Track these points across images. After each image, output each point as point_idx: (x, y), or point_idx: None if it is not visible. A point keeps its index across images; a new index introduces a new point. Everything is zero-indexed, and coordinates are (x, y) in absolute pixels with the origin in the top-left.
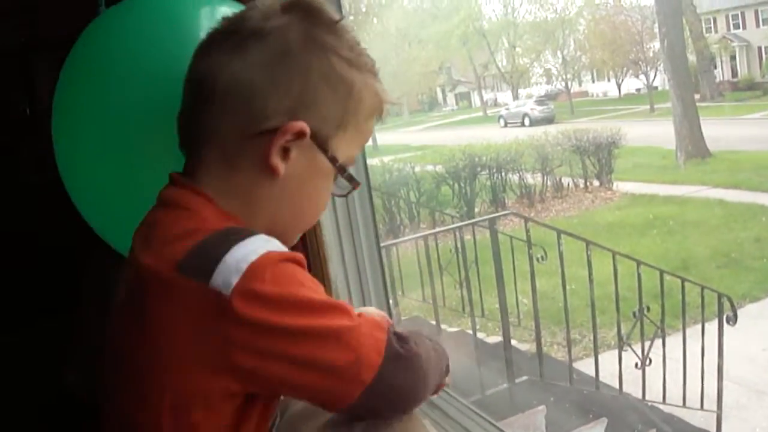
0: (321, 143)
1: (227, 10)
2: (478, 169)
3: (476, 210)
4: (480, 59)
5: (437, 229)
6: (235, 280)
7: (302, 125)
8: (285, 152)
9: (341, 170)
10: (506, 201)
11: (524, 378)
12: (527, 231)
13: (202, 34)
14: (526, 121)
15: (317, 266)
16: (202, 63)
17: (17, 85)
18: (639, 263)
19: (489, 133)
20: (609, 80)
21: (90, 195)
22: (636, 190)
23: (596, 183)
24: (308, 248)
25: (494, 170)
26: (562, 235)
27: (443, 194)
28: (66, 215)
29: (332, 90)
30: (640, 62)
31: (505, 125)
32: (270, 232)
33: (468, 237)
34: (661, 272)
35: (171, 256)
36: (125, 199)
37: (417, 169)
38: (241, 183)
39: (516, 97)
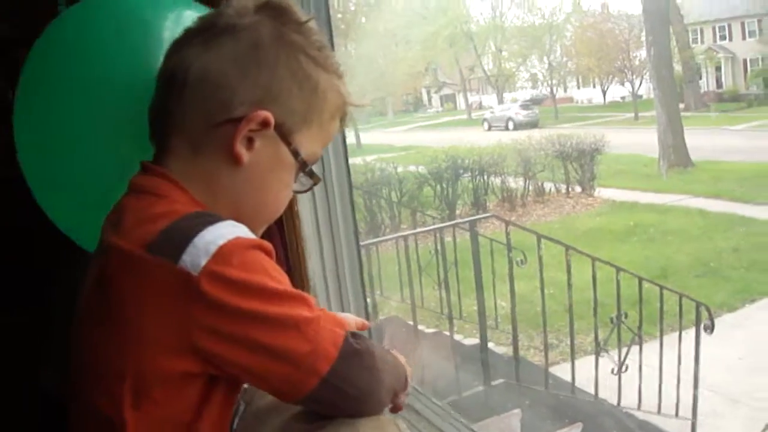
0: (284, 136)
1: (189, 12)
2: (461, 171)
3: (457, 212)
4: (466, 62)
5: (418, 230)
6: (203, 262)
7: (267, 114)
8: (249, 142)
9: (303, 165)
10: (487, 204)
11: (500, 381)
12: (507, 234)
13: (165, 34)
14: (510, 125)
15: (295, 262)
16: (175, 57)
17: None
18: (618, 270)
19: (473, 135)
20: (594, 87)
21: (53, 193)
22: (617, 197)
23: (578, 189)
24: (287, 243)
25: (477, 173)
26: (542, 240)
27: (425, 195)
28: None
29: (298, 86)
30: (625, 70)
31: (490, 128)
32: (238, 221)
33: (448, 239)
34: (640, 279)
35: (141, 238)
36: (88, 197)
37: (400, 169)
38: (206, 170)
39: (501, 100)
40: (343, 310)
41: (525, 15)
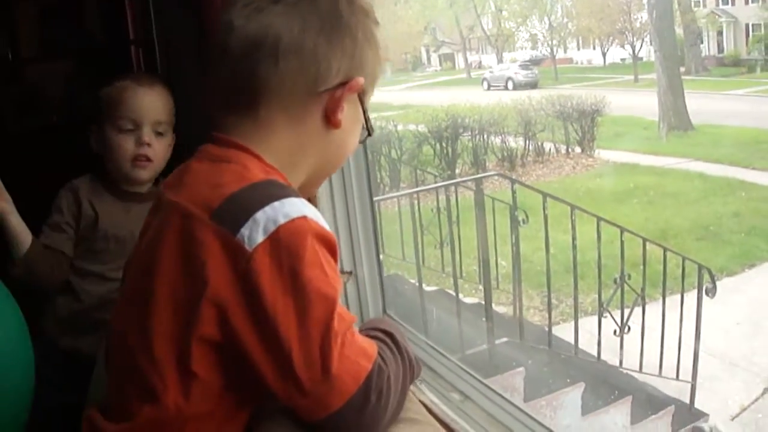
0: (362, 97)
1: None
2: (461, 130)
3: (457, 171)
4: (466, 21)
5: (423, 187)
6: (260, 239)
7: (360, 81)
8: (342, 107)
9: (367, 120)
10: (487, 164)
11: (504, 340)
12: (513, 193)
13: None
14: (510, 85)
15: None
16: (254, 23)
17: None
18: (623, 230)
19: (472, 95)
20: (594, 48)
21: None
22: (617, 159)
23: (578, 150)
24: None
25: (476, 132)
26: (538, 199)
27: (424, 154)
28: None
29: (372, 50)
30: (626, 32)
31: (489, 88)
32: (308, 182)
33: (450, 197)
34: (644, 240)
35: (207, 202)
36: None
37: (399, 127)
38: (299, 136)
39: (500, 60)
40: (355, 267)
41: None
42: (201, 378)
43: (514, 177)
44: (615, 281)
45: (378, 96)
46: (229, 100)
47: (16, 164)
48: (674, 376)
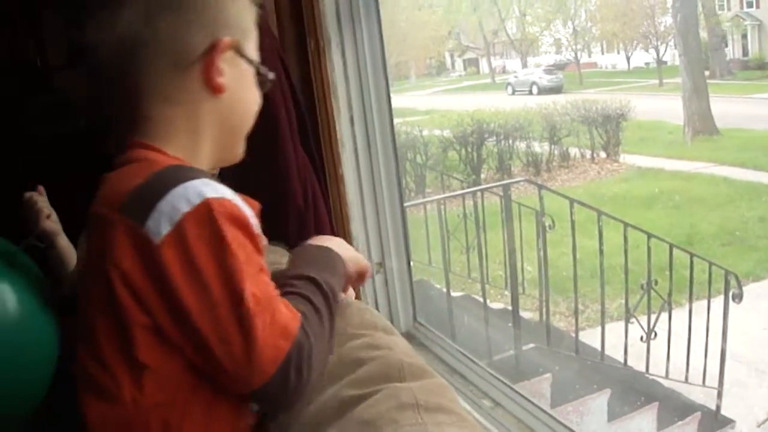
0: (240, 51)
1: None
2: (486, 135)
3: (482, 176)
4: (490, 26)
5: (453, 193)
6: (165, 230)
7: (225, 40)
8: (219, 69)
9: (258, 69)
10: (512, 168)
11: (531, 345)
12: (541, 199)
13: None
14: (534, 90)
15: (339, 225)
16: (103, 33)
17: (28, 36)
18: (650, 236)
19: (497, 100)
20: (618, 53)
21: None
22: (642, 164)
23: (603, 154)
24: (331, 206)
25: (501, 137)
26: (568, 206)
27: (450, 159)
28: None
29: (236, 3)
30: (650, 36)
31: (513, 93)
32: (220, 153)
33: (472, 203)
34: (671, 246)
35: (116, 200)
36: None
37: (425, 132)
38: (189, 114)
39: (525, 65)
40: (385, 273)
41: None
42: (151, 367)
43: (539, 182)
44: (642, 287)
45: (403, 101)
46: (120, 110)
47: (45, 171)
48: (700, 383)
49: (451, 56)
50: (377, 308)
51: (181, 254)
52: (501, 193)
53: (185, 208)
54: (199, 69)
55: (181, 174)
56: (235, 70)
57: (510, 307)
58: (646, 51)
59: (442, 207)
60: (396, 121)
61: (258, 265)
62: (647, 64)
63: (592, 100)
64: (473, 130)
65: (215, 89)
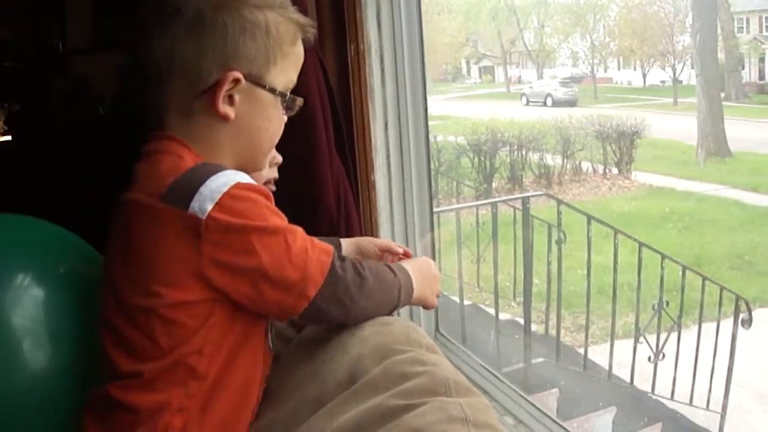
0: (257, 81)
1: None
2: (499, 144)
3: (493, 185)
4: (508, 35)
5: (478, 203)
6: (209, 207)
7: (234, 74)
8: (230, 99)
9: (283, 96)
10: (524, 179)
11: (541, 359)
12: (559, 214)
13: None
14: (549, 102)
15: (368, 231)
16: (141, 49)
17: (51, 20)
18: (663, 257)
19: (511, 109)
20: (635, 69)
21: None
22: (654, 182)
23: (615, 171)
24: (360, 213)
25: (515, 147)
26: (579, 221)
27: (462, 166)
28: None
29: (251, 37)
30: (668, 54)
31: (527, 103)
32: (241, 164)
33: (483, 212)
34: (684, 268)
35: (155, 190)
36: None
37: (438, 138)
38: (203, 133)
39: (540, 76)
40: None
41: None
42: (189, 326)
43: (551, 195)
44: (653, 307)
45: None
46: (150, 110)
47: (64, 156)
48: (704, 406)
49: (467, 63)
50: (399, 316)
51: (227, 221)
52: (519, 206)
53: (223, 188)
54: (209, 97)
55: (215, 167)
56: (249, 98)
57: (516, 319)
58: (663, 69)
59: (449, 216)
60: None
61: (284, 217)
62: (663, 82)
63: (607, 116)
64: (487, 139)
65: (222, 116)
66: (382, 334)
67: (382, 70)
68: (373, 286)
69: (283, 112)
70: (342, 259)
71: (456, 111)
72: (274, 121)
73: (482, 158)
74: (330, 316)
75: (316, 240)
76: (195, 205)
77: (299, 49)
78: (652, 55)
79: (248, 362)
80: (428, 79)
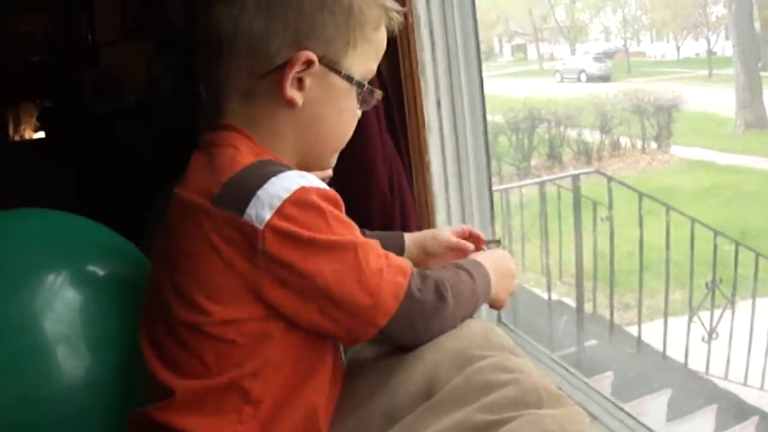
0: (332, 66)
1: None
2: (537, 122)
3: (532, 162)
4: (539, 12)
5: (530, 181)
6: (267, 215)
7: (307, 54)
8: (299, 83)
9: (360, 86)
10: (563, 156)
11: (594, 342)
12: (610, 191)
13: None
14: (583, 77)
15: (423, 215)
16: (206, 20)
17: (80, 12)
18: (716, 233)
19: (545, 86)
20: (668, 42)
21: None
22: (693, 156)
23: (654, 145)
24: (415, 196)
25: (552, 124)
26: (623, 197)
27: (500, 145)
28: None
29: (330, 14)
30: (701, 26)
31: (561, 80)
32: (304, 160)
33: (525, 191)
34: (737, 243)
35: (207, 189)
36: None
37: None
38: (265, 118)
39: (573, 52)
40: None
41: None
42: (245, 345)
43: (601, 172)
44: (706, 285)
45: None
46: (207, 91)
47: (96, 144)
48: (759, 386)
49: (499, 42)
50: None
51: (289, 234)
52: (565, 185)
53: (284, 194)
54: (276, 78)
55: (276, 167)
56: (322, 85)
57: (564, 299)
58: (696, 41)
59: (504, 196)
60: None
61: (356, 229)
62: (697, 54)
63: (644, 90)
64: (525, 117)
65: (288, 102)
66: (459, 337)
67: (432, 44)
68: (453, 309)
69: (358, 105)
70: (423, 276)
71: (491, 90)
72: (347, 114)
73: (520, 136)
74: (399, 342)
75: (392, 257)
76: (251, 212)
77: (382, 36)
78: (685, 27)
79: (315, 383)
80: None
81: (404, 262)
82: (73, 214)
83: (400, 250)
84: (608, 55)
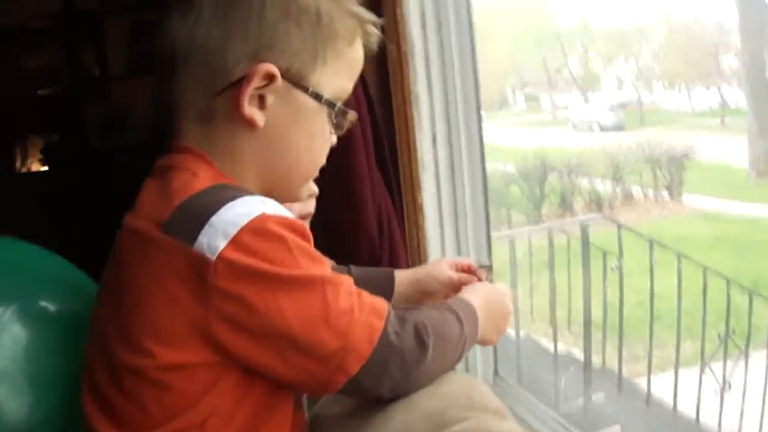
0: (297, 82)
1: None
2: (548, 171)
3: (543, 212)
4: (552, 61)
5: (537, 226)
6: (221, 245)
7: (267, 67)
8: (260, 100)
9: (330, 105)
10: (574, 205)
11: (601, 394)
12: (620, 239)
13: None
14: (596, 127)
15: (415, 259)
16: (161, 33)
17: (88, 46)
18: (729, 282)
19: (558, 136)
20: (681, 92)
21: None
22: (705, 206)
23: (665, 194)
24: (406, 239)
25: (564, 173)
26: (633, 246)
27: (511, 194)
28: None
29: (295, 23)
30: (714, 76)
31: (574, 129)
32: (269, 189)
33: (536, 240)
34: (750, 293)
35: (156, 216)
36: None
37: (487, 166)
38: (224, 142)
39: (586, 101)
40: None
41: (613, 17)
42: (188, 392)
43: (610, 218)
44: (719, 336)
45: None
46: (161, 120)
47: (101, 180)
48: None
49: (513, 90)
50: None
51: (244, 265)
52: (573, 232)
53: (242, 221)
54: (234, 95)
55: (234, 191)
56: (286, 103)
57: (572, 350)
58: (708, 90)
59: (511, 244)
60: None
61: (326, 263)
62: (710, 105)
63: (655, 140)
64: (536, 166)
65: (247, 122)
66: (437, 396)
67: (428, 76)
68: (435, 359)
69: (332, 129)
70: (402, 319)
71: (504, 139)
72: (318, 138)
73: (531, 185)
74: (374, 394)
75: (366, 295)
76: (203, 240)
77: (358, 52)
78: (697, 77)
79: None
80: None
81: (380, 302)
82: (31, 244)
83: (388, 289)
84: (621, 105)
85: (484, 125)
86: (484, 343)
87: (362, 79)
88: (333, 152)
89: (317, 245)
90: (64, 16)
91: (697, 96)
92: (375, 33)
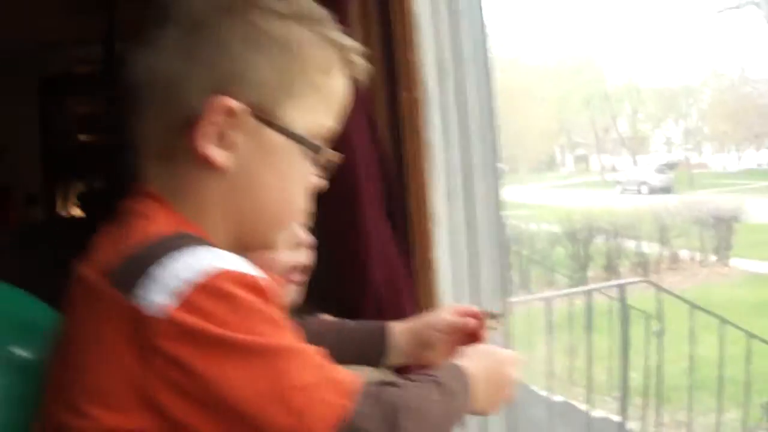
0: (264, 117)
1: None
2: (594, 232)
3: (589, 274)
4: (601, 122)
5: (560, 292)
6: (161, 300)
7: (225, 101)
8: (222, 139)
9: (302, 142)
10: (620, 268)
11: None
12: (659, 303)
13: None
14: (644, 189)
15: None
16: (126, 68)
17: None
18: None
19: (605, 197)
20: (730, 152)
21: None
22: (754, 269)
23: (713, 258)
24: (415, 298)
25: (610, 236)
26: (678, 311)
27: (557, 255)
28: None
29: (261, 53)
30: (763, 136)
31: (623, 191)
32: (240, 237)
33: (578, 302)
34: None
35: (105, 266)
36: None
37: (533, 227)
38: (187, 185)
39: (635, 163)
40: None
41: (662, 78)
42: None
43: (649, 281)
44: (761, 405)
45: (513, 195)
46: (136, 151)
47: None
48: None
49: (561, 151)
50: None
51: (190, 328)
52: (615, 295)
53: (187, 276)
54: (192, 132)
55: (187, 241)
56: (255, 142)
57: (611, 417)
58: (758, 150)
59: (537, 305)
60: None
61: (289, 329)
62: (759, 165)
63: (703, 202)
64: (582, 228)
65: (208, 163)
66: None
67: (443, 124)
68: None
69: (313, 170)
70: (375, 398)
71: (551, 200)
72: (292, 178)
73: (577, 247)
74: None
75: (334, 370)
76: (140, 293)
77: (337, 83)
78: (747, 137)
79: None
80: (523, 168)
81: (351, 378)
82: (15, 289)
83: (380, 343)
84: (670, 166)
85: (533, 186)
86: (479, 413)
87: (372, 126)
88: (336, 203)
89: (316, 300)
90: (105, 62)
91: (746, 157)
92: (358, 62)
